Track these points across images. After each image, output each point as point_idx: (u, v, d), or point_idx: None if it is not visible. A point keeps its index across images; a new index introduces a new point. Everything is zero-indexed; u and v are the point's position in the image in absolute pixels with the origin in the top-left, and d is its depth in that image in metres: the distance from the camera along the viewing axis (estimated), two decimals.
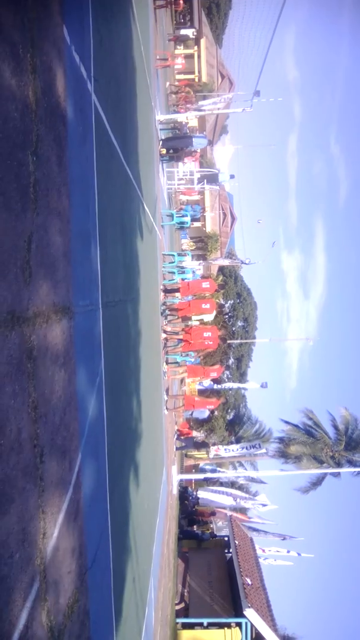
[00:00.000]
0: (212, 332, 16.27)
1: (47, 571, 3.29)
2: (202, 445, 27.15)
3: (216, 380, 41.20)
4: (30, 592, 2.97)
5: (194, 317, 18.15)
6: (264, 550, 23.44)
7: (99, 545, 5.02)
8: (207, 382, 31.93)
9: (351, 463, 29.88)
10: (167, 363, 16.55)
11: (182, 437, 23.23)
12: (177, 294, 17.24)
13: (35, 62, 3.28)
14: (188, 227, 26.88)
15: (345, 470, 28.69)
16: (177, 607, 16.92)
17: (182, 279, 18.18)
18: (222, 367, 20.32)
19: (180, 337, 16.28)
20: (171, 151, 18.78)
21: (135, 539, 7.88)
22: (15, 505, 2.80)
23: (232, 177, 25.31)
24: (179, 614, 16.70)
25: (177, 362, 17.14)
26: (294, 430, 33.20)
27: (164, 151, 18.27)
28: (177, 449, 21.99)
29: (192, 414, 24.26)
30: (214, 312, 17.63)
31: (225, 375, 47.04)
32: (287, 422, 33.81)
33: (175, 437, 21.38)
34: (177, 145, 19.04)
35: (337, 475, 29.79)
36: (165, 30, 25.96)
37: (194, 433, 28.03)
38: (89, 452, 4.64)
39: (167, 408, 16.30)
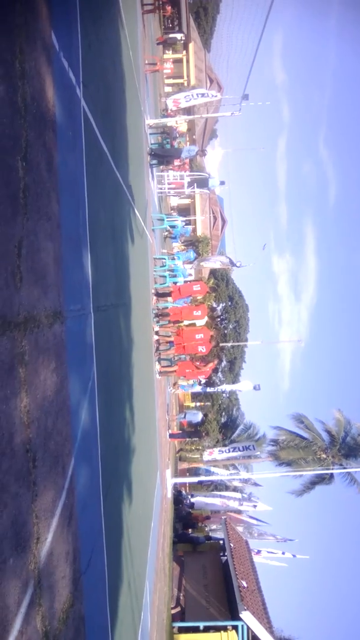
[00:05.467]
0: (204, 333, 16.26)
1: (42, 576, 3.29)
2: (195, 433, 27.13)
3: (208, 383, 41.26)
4: (24, 597, 2.97)
5: (185, 322, 18.15)
6: (259, 552, 23.45)
7: (94, 549, 5.02)
8: (198, 387, 31.96)
9: (344, 467, 29.95)
10: (159, 363, 16.56)
11: (176, 434, 23.39)
12: (169, 298, 17.24)
13: (24, 68, 3.29)
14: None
15: (338, 471, 28.79)
16: (173, 611, 16.88)
17: (174, 283, 18.20)
18: (215, 363, 20.26)
19: (172, 339, 16.28)
20: (161, 155, 18.82)
21: (130, 542, 7.87)
22: (8, 510, 2.80)
23: (222, 183, 25.27)
24: (175, 618, 16.65)
25: (169, 363, 17.15)
26: (287, 434, 33.28)
27: (154, 154, 18.30)
28: (170, 436, 22.06)
29: (185, 417, 24.29)
30: (206, 318, 17.60)
31: (217, 378, 47.13)
32: (279, 428, 33.89)
33: (169, 435, 21.48)
34: (167, 159, 19.20)
35: (331, 478, 29.88)
36: (153, 35, 26.03)
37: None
38: (82, 457, 4.64)
39: (159, 373, 16.52)
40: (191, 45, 41.52)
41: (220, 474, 29.15)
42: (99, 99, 6.64)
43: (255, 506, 26.38)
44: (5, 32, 3.03)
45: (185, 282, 19.43)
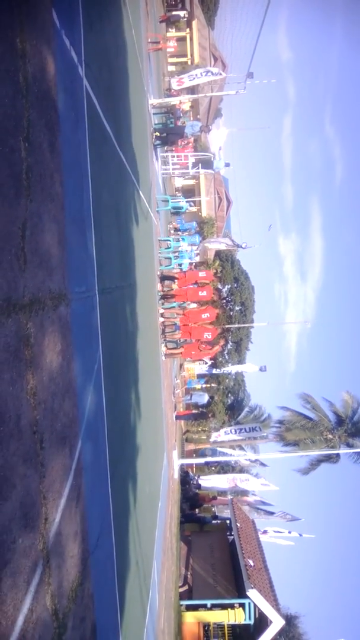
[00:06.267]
0: (210, 312, 16.30)
1: (50, 556, 3.33)
2: (201, 415, 27.26)
3: (215, 365, 41.25)
4: (33, 576, 3.00)
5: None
6: (265, 532, 23.67)
7: (102, 529, 5.07)
8: (205, 367, 32.01)
9: (350, 446, 30.06)
10: (166, 346, 16.60)
11: (183, 415, 23.48)
12: (174, 285, 17.21)
13: (25, 47, 3.24)
14: (184, 212, 26.74)
15: (344, 451, 28.90)
16: (181, 590, 17.10)
17: (179, 265, 18.18)
18: (220, 345, 20.33)
19: (177, 321, 16.30)
20: (165, 134, 18.67)
21: (138, 523, 7.95)
22: (17, 491, 2.82)
23: (227, 165, 25.03)
24: (182, 596, 16.88)
25: (175, 346, 17.20)
26: (293, 414, 33.36)
27: (157, 134, 18.14)
28: (177, 417, 22.16)
29: (191, 398, 24.38)
30: (211, 298, 17.63)
31: (223, 359, 47.15)
32: (286, 408, 33.99)
33: (175, 416, 21.57)
34: (170, 139, 19.06)
35: (337, 457, 30.00)
36: (156, 13, 25.65)
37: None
38: (89, 438, 4.66)
39: (165, 355, 16.61)
40: (195, 23, 40.88)
41: (231, 454, 29.30)
42: (102, 78, 6.56)
43: (265, 484, 26.55)
44: (5, 11, 2.98)
45: (191, 264, 19.42)
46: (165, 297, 16.48)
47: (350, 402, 31.60)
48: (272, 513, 26.22)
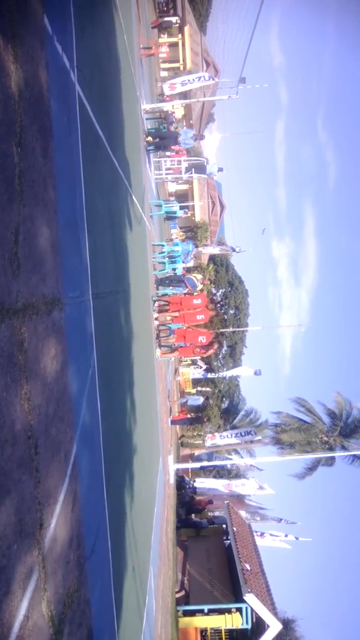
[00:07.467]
0: (205, 314, 16.39)
1: (46, 562, 3.31)
2: (197, 420, 27.26)
3: (210, 369, 41.24)
4: (29, 582, 2.99)
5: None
6: (262, 535, 23.65)
7: (97, 535, 5.05)
8: (200, 371, 32.00)
9: (345, 449, 30.12)
10: (160, 350, 16.60)
11: (178, 420, 23.48)
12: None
13: (17, 53, 3.25)
14: (177, 217, 26.73)
15: (339, 454, 28.94)
16: (178, 595, 17.05)
17: (173, 269, 18.19)
18: (215, 348, 20.39)
19: (171, 323, 16.34)
20: (157, 139, 18.72)
21: (134, 528, 7.92)
22: (12, 497, 2.81)
23: (220, 170, 25.04)
24: (179, 601, 16.83)
25: (169, 350, 17.21)
26: (288, 418, 33.41)
27: (150, 139, 18.18)
28: (172, 422, 22.13)
29: (186, 402, 24.38)
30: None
31: (219, 362, 47.20)
32: (280, 412, 34.04)
33: (170, 421, 21.54)
34: (163, 144, 19.14)
35: (332, 460, 30.04)
36: (148, 18, 25.73)
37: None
38: (84, 443, 4.65)
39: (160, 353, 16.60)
40: (187, 29, 41.00)
41: (227, 457, 29.30)
42: (94, 83, 6.57)
43: (261, 487, 26.53)
44: None
45: (184, 269, 19.44)
46: (158, 303, 16.52)
47: (342, 404, 31.74)
48: (268, 516, 26.22)
